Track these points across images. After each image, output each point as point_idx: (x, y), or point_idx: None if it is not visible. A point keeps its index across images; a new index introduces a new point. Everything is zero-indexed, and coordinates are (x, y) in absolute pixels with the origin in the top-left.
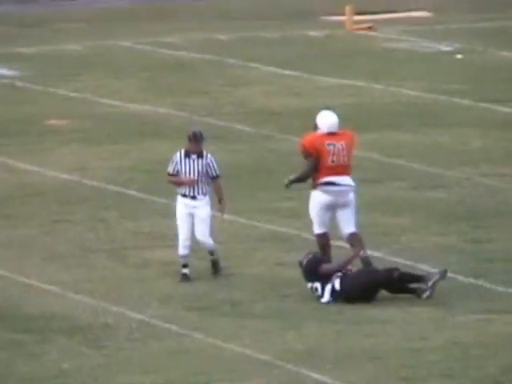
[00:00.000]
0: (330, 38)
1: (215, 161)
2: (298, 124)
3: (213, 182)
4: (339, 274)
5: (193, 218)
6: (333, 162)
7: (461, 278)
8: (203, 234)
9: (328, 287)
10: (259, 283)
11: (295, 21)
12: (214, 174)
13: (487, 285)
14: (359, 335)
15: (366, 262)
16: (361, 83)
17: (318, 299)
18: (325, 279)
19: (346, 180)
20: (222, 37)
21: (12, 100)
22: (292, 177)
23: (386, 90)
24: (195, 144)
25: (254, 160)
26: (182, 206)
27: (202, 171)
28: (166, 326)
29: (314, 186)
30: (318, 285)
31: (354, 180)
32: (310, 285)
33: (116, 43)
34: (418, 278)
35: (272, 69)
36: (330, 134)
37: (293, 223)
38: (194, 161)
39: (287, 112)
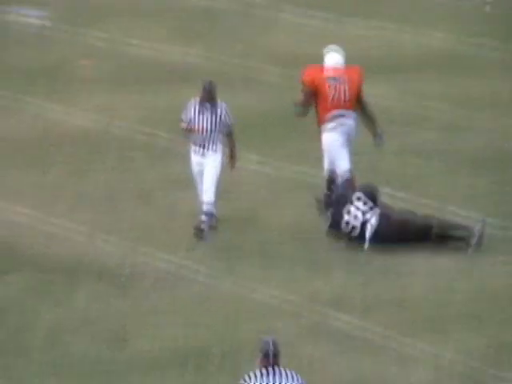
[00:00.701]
0: None
1: (229, 110)
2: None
3: (227, 133)
4: (377, 210)
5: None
6: (333, 97)
7: (489, 220)
8: (208, 185)
9: (368, 228)
10: (288, 230)
11: None
12: (229, 122)
13: None
14: (386, 285)
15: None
16: (389, 30)
17: (350, 239)
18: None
19: (344, 118)
20: None
21: (41, 43)
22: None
23: (415, 38)
24: (208, 93)
25: (283, 107)
26: (194, 163)
27: (217, 120)
28: (194, 273)
29: (320, 125)
30: (354, 223)
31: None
32: (345, 220)
33: None
34: (459, 226)
35: (300, 14)
36: (333, 69)
37: (321, 166)
38: (208, 110)
39: (316, 58)
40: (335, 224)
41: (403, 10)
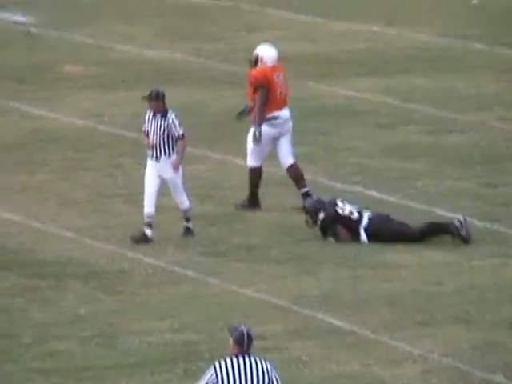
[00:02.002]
0: None
1: (178, 120)
2: (312, 70)
3: (177, 142)
4: (368, 213)
5: (161, 179)
6: (280, 94)
7: (476, 222)
8: (175, 195)
9: (361, 228)
10: (274, 228)
11: None
12: (177, 134)
13: (503, 229)
14: (375, 280)
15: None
16: (375, 28)
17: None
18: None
19: (287, 111)
20: None
21: (27, 46)
22: (257, 121)
23: (400, 35)
24: (155, 103)
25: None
26: (149, 166)
27: (165, 132)
28: (182, 271)
29: (260, 120)
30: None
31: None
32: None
33: None
34: (442, 229)
35: (287, 14)
36: (274, 67)
37: (307, 168)
38: (158, 121)
39: (301, 57)
40: (329, 216)
41: (389, 9)
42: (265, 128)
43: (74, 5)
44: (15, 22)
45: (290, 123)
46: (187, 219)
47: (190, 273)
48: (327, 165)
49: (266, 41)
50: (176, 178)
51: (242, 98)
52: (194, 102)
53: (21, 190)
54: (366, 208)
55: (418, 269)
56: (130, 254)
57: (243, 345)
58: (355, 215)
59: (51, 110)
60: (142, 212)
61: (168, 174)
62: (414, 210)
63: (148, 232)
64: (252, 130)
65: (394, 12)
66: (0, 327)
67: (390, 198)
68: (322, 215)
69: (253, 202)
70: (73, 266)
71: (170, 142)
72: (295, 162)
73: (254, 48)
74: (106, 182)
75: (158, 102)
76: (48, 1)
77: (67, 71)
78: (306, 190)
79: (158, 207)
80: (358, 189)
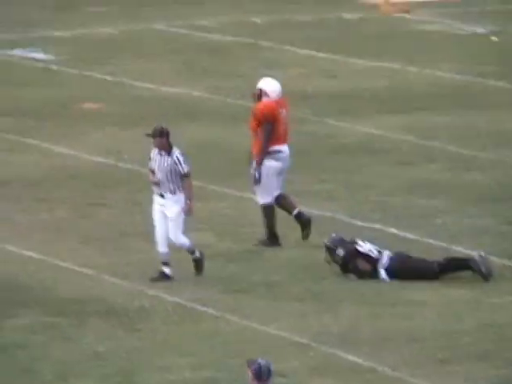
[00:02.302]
0: (365, 21)
1: (183, 158)
2: (333, 107)
3: (182, 181)
4: (388, 253)
5: (165, 215)
6: (283, 129)
7: (495, 259)
8: (172, 234)
9: (381, 268)
10: (295, 265)
11: (330, 3)
12: (182, 172)
13: None
14: (395, 317)
15: (304, 217)
16: (396, 65)
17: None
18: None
19: (287, 147)
20: (256, 19)
21: (47, 83)
22: (256, 159)
23: (421, 72)
24: (159, 140)
25: (289, 143)
26: (155, 203)
27: (169, 169)
28: (202, 308)
29: (265, 155)
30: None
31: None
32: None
33: (150, 26)
34: (462, 265)
35: (306, 51)
36: (279, 102)
37: (328, 205)
38: (163, 158)
39: (322, 94)
40: (349, 254)
41: (410, 47)
42: (270, 162)
43: (94, 42)
44: (35, 60)
45: (289, 160)
46: (190, 252)
47: (210, 310)
48: (348, 202)
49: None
50: (177, 216)
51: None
52: (212, 138)
53: (41, 228)
54: (386, 248)
55: (438, 306)
56: (149, 292)
57: (262, 378)
58: (375, 253)
59: (71, 147)
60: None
61: (171, 212)
62: (434, 248)
63: (166, 270)
64: (254, 165)
65: (414, 50)
66: (20, 364)
67: (411, 236)
68: (341, 252)
69: (272, 239)
70: (93, 304)
71: (175, 179)
72: (282, 192)
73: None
74: (125, 219)
75: (161, 139)
76: (67, 38)
77: (87, 108)
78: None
79: (177, 249)
80: (379, 226)
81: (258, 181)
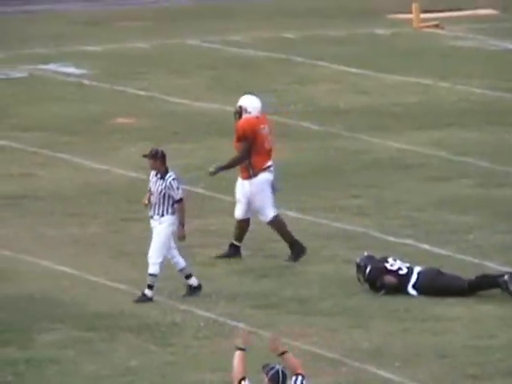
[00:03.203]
0: (397, 36)
1: (177, 183)
2: (364, 122)
3: (174, 205)
4: (419, 269)
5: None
6: (267, 145)
7: None
8: (150, 251)
9: (410, 285)
10: (326, 281)
11: (362, 19)
12: (175, 197)
13: None
14: (426, 333)
15: (237, 253)
16: (427, 81)
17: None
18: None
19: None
20: (288, 35)
21: (79, 98)
22: (222, 164)
23: (453, 88)
24: (152, 162)
25: (321, 158)
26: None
27: (162, 192)
28: (234, 324)
29: (257, 172)
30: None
31: None
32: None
33: (182, 41)
34: (491, 282)
35: (339, 67)
36: (259, 118)
37: (359, 221)
38: (157, 180)
39: (354, 110)
40: (377, 271)
41: (441, 62)
42: (266, 174)
43: (126, 57)
44: (67, 75)
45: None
46: (154, 276)
47: (242, 325)
48: (379, 218)
49: (251, 93)
50: (159, 237)
51: (295, 150)
52: None
53: (73, 243)
54: (418, 264)
55: (469, 322)
56: (181, 307)
57: (278, 383)
58: (404, 270)
59: (103, 162)
60: (193, 264)
61: (155, 231)
62: (465, 264)
63: (191, 281)
64: (246, 183)
65: (446, 66)
66: (52, 379)
67: (442, 251)
68: (368, 268)
69: (297, 248)
70: (125, 319)
71: (166, 203)
72: (249, 219)
73: (306, 100)
74: None
75: (154, 162)
76: (100, 53)
77: (119, 123)
78: (239, 244)
79: (212, 258)
80: (410, 242)
81: (213, 173)
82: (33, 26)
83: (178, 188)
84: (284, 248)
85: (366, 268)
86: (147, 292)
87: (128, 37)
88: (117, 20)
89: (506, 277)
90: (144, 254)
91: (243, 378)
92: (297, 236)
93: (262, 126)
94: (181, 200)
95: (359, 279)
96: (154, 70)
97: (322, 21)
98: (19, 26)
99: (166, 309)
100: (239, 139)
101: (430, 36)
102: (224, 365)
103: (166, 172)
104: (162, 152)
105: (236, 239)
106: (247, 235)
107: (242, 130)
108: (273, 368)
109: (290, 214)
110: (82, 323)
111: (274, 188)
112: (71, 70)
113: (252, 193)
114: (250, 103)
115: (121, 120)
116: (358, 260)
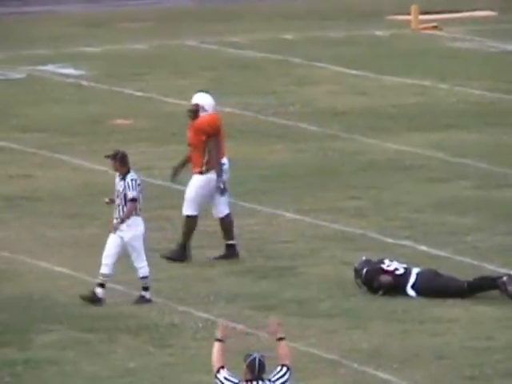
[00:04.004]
0: (396, 38)
1: (134, 183)
2: (363, 123)
3: (127, 203)
4: (417, 270)
5: (121, 239)
6: (223, 143)
7: None
8: (133, 259)
9: (408, 285)
10: (325, 282)
11: (361, 21)
12: (128, 196)
13: None
14: (425, 334)
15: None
16: (426, 82)
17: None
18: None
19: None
20: (287, 36)
21: (78, 99)
22: (218, 174)
23: (451, 90)
24: (113, 163)
25: (319, 159)
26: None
27: (122, 193)
28: (232, 325)
29: (210, 168)
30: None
31: None
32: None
33: (182, 42)
34: (490, 284)
35: (337, 68)
36: (218, 115)
37: (358, 222)
38: (119, 181)
39: (352, 111)
40: (373, 272)
41: (440, 64)
42: (210, 176)
43: (125, 58)
44: (66, 76)
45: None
46: (145, 288)
47: (240, 326)
48: (377, 219)
49: (204, 91)
50: (134, 241)
51: (293, 152)
52: (244, 155)
53: (72, 244)
54: (416, 265)
55: (467, 323)
56: (180, 308)
57: (254, 371)
58: (401, 271)
59: (102, 163)
60: (191, 266)
61: (126, 236)
62: (464, 265)
63: (99, 291)
64: (197, 178)
65: (445, 67)
66: (50, 380)
67: (440, 253)
68: (365, 270)
69: (181, 253)
70: (123, 320)
71: (125, 203)
72: (230, 213)
73: (304, 101)
74: (155, 235)
75: (114, 163)
76: (99, 54)
77: (117, 124)
78: (233, 242)
79: (210, 261)
80: (408, 243)
81: (224, 190)
82: (32, 27)
83: (134, 188)
84: (284, 249)
85: (362, 271)
86: (144, 294)
87: (126, 38)
88: (115, 21)
89: (504, 278)
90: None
91: (222, 367)
92: (295, 238)
93: (220, 123)
94: (133, 200)
95: (358, 284)
96: (152, 71)
97: (320, 22)
98: (18, 27)
99: (164, 310)
100: (209, 137)
101: (429, 37)
102: None
103: (126, 173)
104: (123, 153)
105: (227, 239)
106: (247, 236)
107: (211, 127)
108: (251, 356)
109: (287, 215)
110: (81, 324)
111: (225, 188)
112: (70, 71)
113: (194, 184)
114: (206, 101)
115: (119, 121)
116: (356, 265)
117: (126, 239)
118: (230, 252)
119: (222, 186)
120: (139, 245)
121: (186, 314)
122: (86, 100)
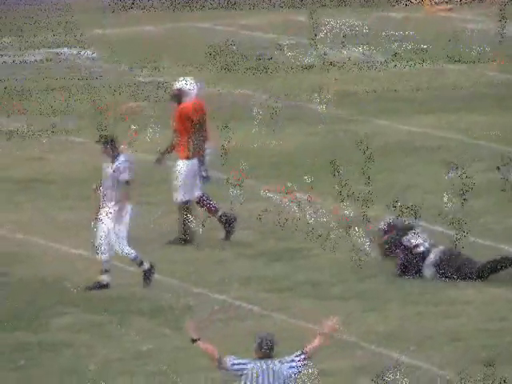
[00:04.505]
0: (409, 20)
1: (124, 165)
2: (375, 106)
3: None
4: (439, 249)
5: (107, 226)
6: (207, 128)
7: None
8: (116, 245)
9: (427, 264)
10: (338, 266)
11: (374, 2)
12: (119, 176)
13: None
14: (439, 316)
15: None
16: (438, 66)
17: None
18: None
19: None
20: (300, 18)
21: (90, 83)
22: (202, 163)
23: (464, 72)
24: (102, 147)
25: (331, 142)
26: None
27: (111, 177)
28: (247, 307)
29: (195, 154)
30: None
31: None
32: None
33: (193, 25)
34: (505, 263)
35: (350, 50)
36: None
37: (370, 206)
38: (108, 166)
39: (364, 94)
40: (391, 240)
41: (453, 46)
42: (194, 162)
43: (135, 44)
44: (80, 59)
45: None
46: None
47: (256, 308)
48: (390, 202)
49: (184, 76)
50: (117, 227)
51: (305, 135)
52: (254, 139)
53: (87, 226)
54: (439, 244)
55: (482, 305)
56: (195, 290)
57: (263, 349)
58: (419, 249)
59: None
60: (202, 249)
61: (110, 222)
62: (478, 247)
63: (105, 278)
64: (183, 163)
65: (457, 49)
66: (65, 362)
67: (455, 233)
68: (385, 237)
69: (182, 238)
70: (137, 302)
71: (117, 188)
72: (203, 193)
73: (316, 85)
74: (167, 217)
75: (104, 147)
76: (108, 40)
77: (129, 108)
78: (220, 212)
79: (223, 242)
80: (422, 225)
81: (207, 178)
82: (44, 13)
83: (124, 169)
84: (295, 233)
85: (383, 237)
86: (145, 271)
87: (139, 22)
88: (128, 6)
89: None
90: (153, 238)
91: (220, 358)
92: (307, 221)
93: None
94: (127, 183)
95: (373, 241)
96: (164, 56)
97: (333, 4)
98: (32, 14)
99: (179, 292)
100: (193, 122)
101: (442, 19)
102: (237, 348)
103: (116, 156)
104: (112, 138)
105: (213, 214)
106: (258, 219)
107: (193, 112)
108: (260, 335)
109: (299, 198)
110: (96, 307)
111: (208, 176)
112: (83, 54)
113: (180, 171)
114: (189, 86)
115: (131, 105)
116: (380, 225)
117: (109, 225)
118: (227, 221)
119: (204, 174)
120: (122, 233)
121: (201, 296)
122: (99, 83)
